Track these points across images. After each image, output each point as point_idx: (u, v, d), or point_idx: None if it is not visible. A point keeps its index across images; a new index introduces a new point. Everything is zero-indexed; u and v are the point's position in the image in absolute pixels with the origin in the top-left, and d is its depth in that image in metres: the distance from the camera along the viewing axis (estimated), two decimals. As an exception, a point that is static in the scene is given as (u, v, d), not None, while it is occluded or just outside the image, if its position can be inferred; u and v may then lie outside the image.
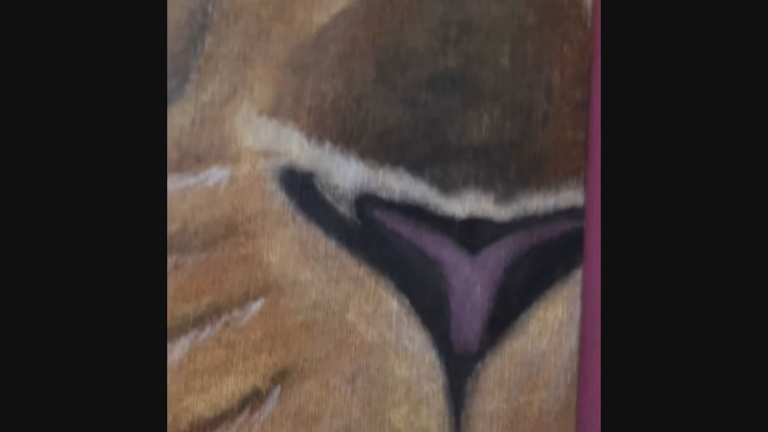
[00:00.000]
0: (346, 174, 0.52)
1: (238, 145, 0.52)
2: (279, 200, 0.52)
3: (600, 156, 0.52)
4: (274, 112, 0.52)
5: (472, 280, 0.52)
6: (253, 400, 0.51)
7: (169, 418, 0.50)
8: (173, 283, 0.51)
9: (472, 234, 0.52)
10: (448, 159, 0.52)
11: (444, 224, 0.52)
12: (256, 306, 0.51)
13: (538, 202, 0.52)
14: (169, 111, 0.52)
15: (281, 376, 0.51)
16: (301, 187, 0.52)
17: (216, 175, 0.52)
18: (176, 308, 0.51)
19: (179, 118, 0.53)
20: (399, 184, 0.52)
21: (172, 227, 0.52)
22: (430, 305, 0.51)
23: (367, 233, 0.52)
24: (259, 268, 0.52)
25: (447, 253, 0.52)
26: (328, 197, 0.52)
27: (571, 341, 0.51)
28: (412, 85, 0.52)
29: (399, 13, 0.53)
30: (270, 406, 0.51)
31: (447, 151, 0.52)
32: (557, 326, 0.52)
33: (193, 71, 0.53)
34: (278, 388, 0.51)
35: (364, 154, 0.52)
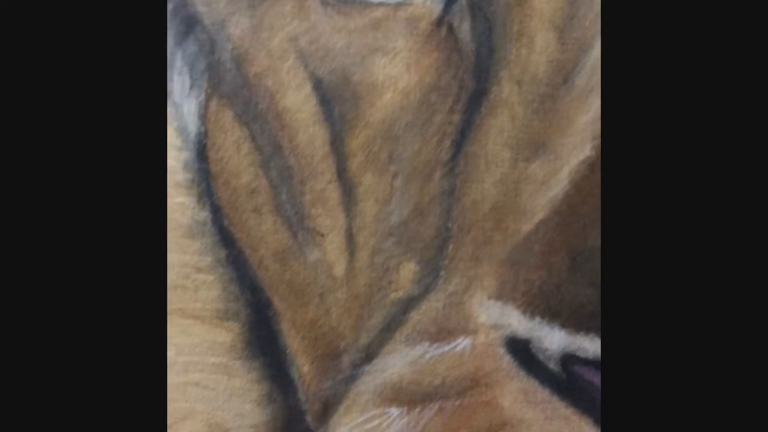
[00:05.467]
0: (552, 340, 0.72)
1: (475, 321, 0.73)
2: (506, 360, 0.73)
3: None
4: (499, 296, 0.73)
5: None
6: None
7: None
8: (437, 422, 0.73)
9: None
10: (626, 325, 0.71)
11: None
12: (497, 438, 0.73)
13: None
14: (427, 298, 0.74)
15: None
16: (521, 350, 0.72)
17: (462, 343, 0.73)
18: (440, 442, 0.73)
19: (435, 303, 0.74)
20: (592, 346, 0.71)
21: (435, 381, 0.74)
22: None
23: (571, 383, 0.72)
24: (496, 410, 0.73)
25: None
26: (541, 357, 0.72)
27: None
28: (596, 272, 0.71)
29: (582, 219, 0.72)
30: None
31: (624, 320, 0.71)
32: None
33: (442, 269, 0.74)
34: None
35: (564, 325, 0.71)
